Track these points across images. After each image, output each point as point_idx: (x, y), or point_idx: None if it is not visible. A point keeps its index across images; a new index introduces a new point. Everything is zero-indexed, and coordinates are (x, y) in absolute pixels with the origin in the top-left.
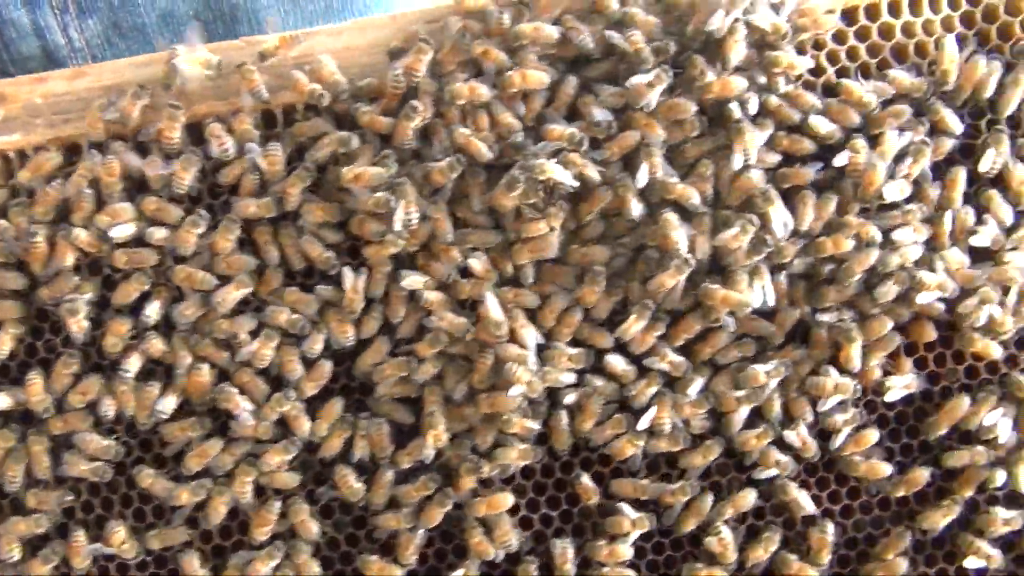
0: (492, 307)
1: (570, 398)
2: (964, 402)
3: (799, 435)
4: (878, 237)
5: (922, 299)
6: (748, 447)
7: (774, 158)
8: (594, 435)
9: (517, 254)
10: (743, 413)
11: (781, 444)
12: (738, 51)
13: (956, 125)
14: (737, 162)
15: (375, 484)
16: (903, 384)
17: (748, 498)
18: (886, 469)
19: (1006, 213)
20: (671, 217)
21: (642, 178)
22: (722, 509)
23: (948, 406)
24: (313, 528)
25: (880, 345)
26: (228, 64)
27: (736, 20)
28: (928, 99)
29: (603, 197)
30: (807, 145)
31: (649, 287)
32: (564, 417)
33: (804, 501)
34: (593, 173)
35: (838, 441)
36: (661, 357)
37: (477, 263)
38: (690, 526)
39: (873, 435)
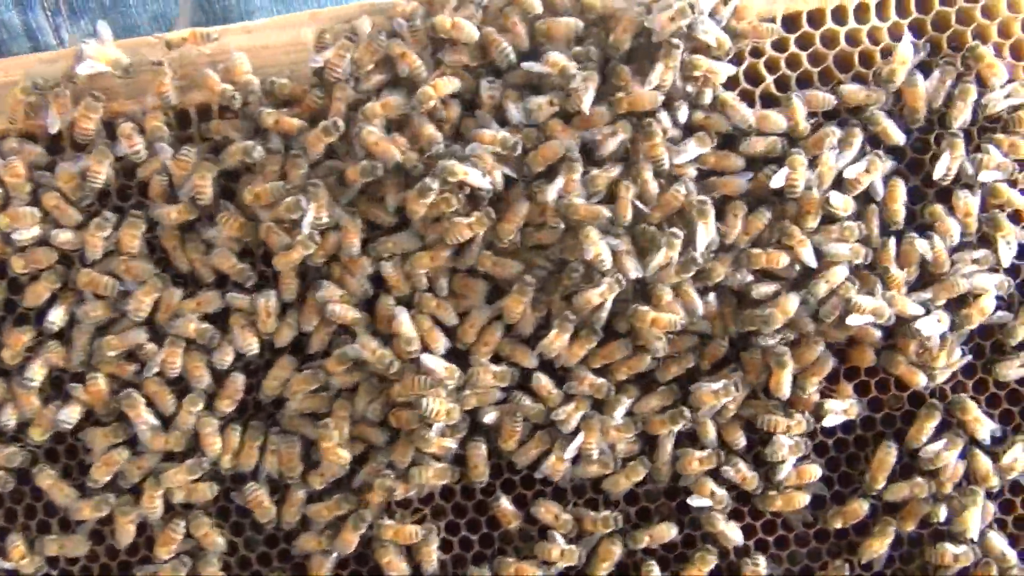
0: (404, 323)
1: (490, 417)
2: (892, 453)
3: (738, 471)
4: (812, 264)
5: (853, 321)
6: (689, 470)
7: (692, 172)
8: (518, 457)
9: (417, 261)
10: (672, 436)
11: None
12: (666, 74)
13: (898, 136)
14: (647, 170)
15: (287, 502)
16: (842, 409)
17: (669, 532)
18: (803, 500)
19: (953, 227)
20: (592, 232)
21: (551, 193)
22: (639, 536)
23: (877, 459)
24: (218, 540)
25: (815, 370)
26: (142, 61)
27: (673, 44)
28: (868, 111)
29: (523, 211)
30: (735, 162)
31: (575, 302)
32: (483, 448)
33: (732, 533)
34: (499, 178)
35: (782, 473)
36: (580, 381)
37: (390, 270)
38: (603, 572)
39: (816, 471)
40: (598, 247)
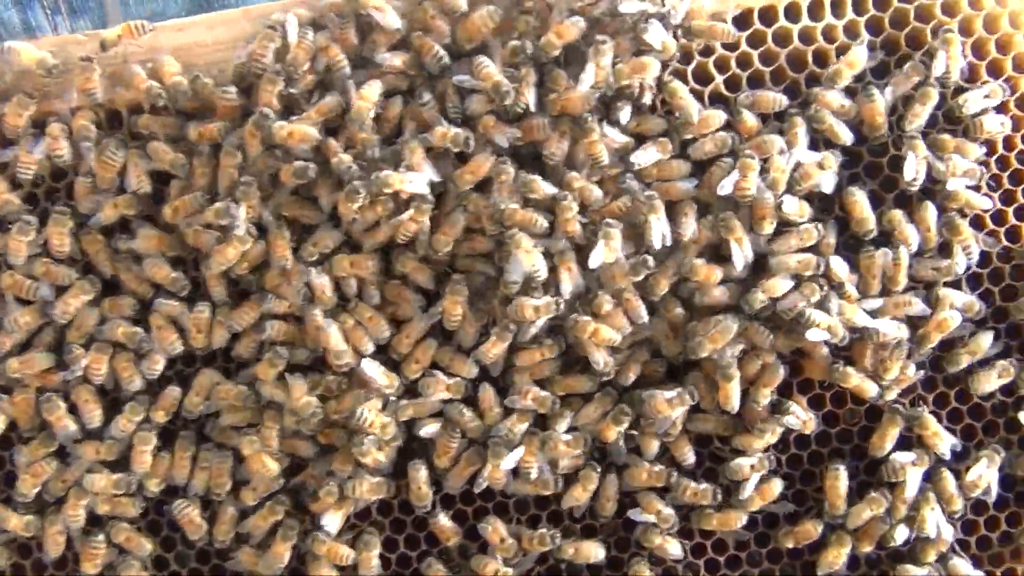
0: (333, 335)
1: (427, 430)
2: (841, 475)
3: (686, 489)
4: (738, 268)
5: (813, 336)
6: (637, 482)
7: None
8: (451, 480)
9: (337, 264)
10: (622, 442)
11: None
12: (599, 72)
13: (845, 134)
14: (577, 180)
15: (219, 519)
16: (804, 417)
17: (595, 552)
18: (740, 519)
19: (912, 234)
20: (524, 240)
21: (501, 202)
22: (564, 548)
23: (828, 486)
24: (144, 543)
25: (765, 380)
26: (69, 60)
27: (600, 40)
28: (813, 108)
29: (459, 227)
30: (677, 169)
31: (509, 309)
32: (423, 470)
33: (671, 548)
34: (431, 172)
35: (746, 491)
36: (524, 394)
37: (316, 279)
38: None
39: (777, 486)
40: (532, 258)
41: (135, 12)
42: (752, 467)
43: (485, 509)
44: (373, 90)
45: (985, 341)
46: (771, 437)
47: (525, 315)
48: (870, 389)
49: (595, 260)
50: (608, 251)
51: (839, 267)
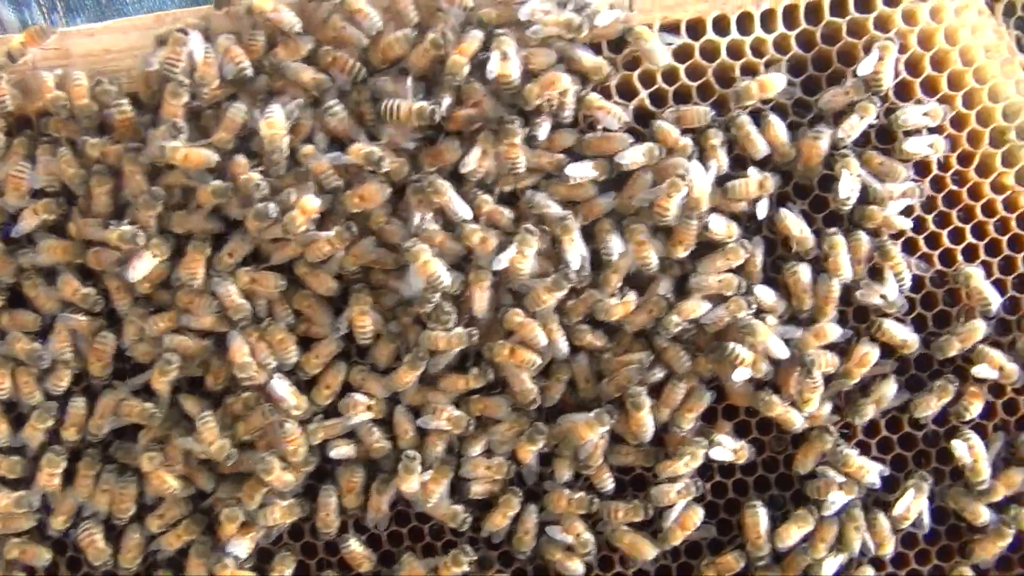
0: (238, 348)
1: (339, 452)
2: (758, 513)
3: (620, 511)
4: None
5: (739, 376)
6: (557, 508)
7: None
8: (371, 517)
9: (238, 279)
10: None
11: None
12: (506, 65)
13: (762, 145)
14: (487, 203)
15: (124, 546)
16: (734, 446)
17: None
18: (651, 551)
19: (845, 265)
20: (418, 249)
21: (415, 222)
22: None
23: (747, 525)
24: (42, 553)
25: (689, 405)
26: None
27: (499, 33)
28: (735, 113)
29: (370, 255)
30: (584, 191)
31: (421, 339)
32: (333, 497)
33: (572, 566)
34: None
35: (671, 517)
36: (437, 413)
37: (226, 292)
38: None
39: (698, 515)
40: (430, 268)
41: (132, 10)
42: (678, 492)
43: (399, 534)
44: (278, 115)
45: (889, 390)
46: (692, 461)
47: (438, 346)
48: (795, 420)
49: (500, 262)
50: (519, 256)
51: (764, 295)
